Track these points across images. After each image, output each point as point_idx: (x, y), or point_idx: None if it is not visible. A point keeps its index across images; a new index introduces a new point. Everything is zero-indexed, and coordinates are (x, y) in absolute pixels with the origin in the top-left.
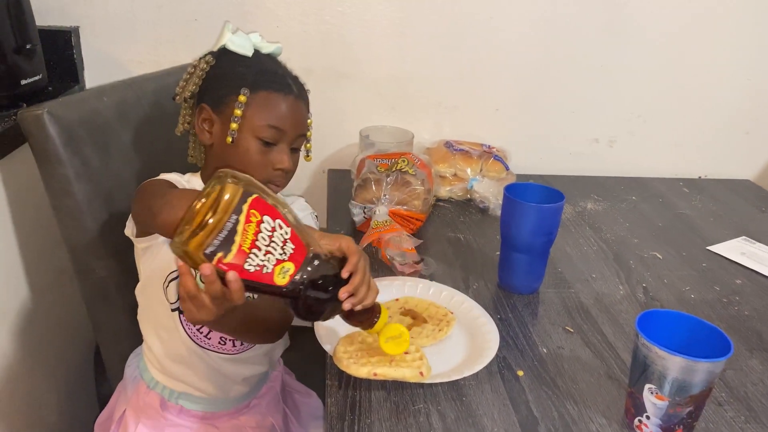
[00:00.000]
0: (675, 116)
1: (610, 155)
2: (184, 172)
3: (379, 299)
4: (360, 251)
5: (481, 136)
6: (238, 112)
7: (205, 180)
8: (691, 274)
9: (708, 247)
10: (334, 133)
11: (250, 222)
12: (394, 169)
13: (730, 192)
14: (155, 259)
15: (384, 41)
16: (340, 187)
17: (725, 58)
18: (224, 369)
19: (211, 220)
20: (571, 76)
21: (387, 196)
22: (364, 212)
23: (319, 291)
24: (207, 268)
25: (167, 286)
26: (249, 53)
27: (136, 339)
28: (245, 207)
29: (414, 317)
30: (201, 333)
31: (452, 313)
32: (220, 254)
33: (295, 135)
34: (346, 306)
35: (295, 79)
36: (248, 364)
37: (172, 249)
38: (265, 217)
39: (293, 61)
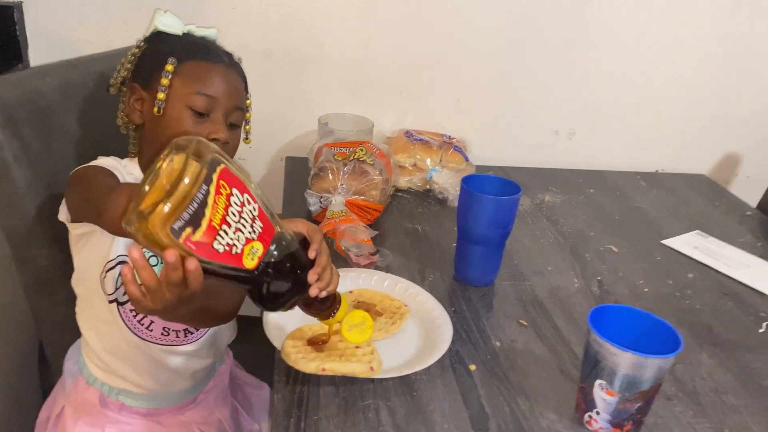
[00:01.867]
0: (634, 110)
1: (569, 147)
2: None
3: None
4: (322, 231)
5: (442, 125)
6: (164, 81)
7: (143, 166)
8: (645, 268)
9: (662, 241)
10: (292, 120)
11: (220, 194)
12: (351, 158)
13: (685, 186)
14: (92, 247)
15: (346, 26)
16: (298, 175)
17: (684, 55)
18: (167, 362)
19: (182, 187)
20: (532, 68)
21: (344, 186)
22: (320, 202)
23: (286, 275)
24: (172, 255)
25: (104, 277)
26: (179, 32)
27: (79, 332)
28: (215, 176)
29: (367, 310)
30: (142, 325)
31: (406, 305)
32: (188, 230)
33: (229, 105)
34: (314, 291)
35: (228, 53)
36: (193, 356)
37: (126, 227)
38: (234, 190)
39: (250, 44)
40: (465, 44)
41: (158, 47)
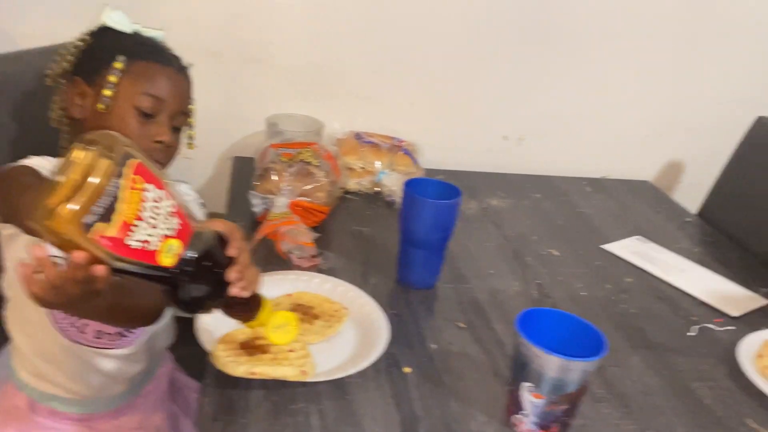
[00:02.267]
0: (581, 117)
1: (518, 153)
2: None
3: (271, 294)
4: (240, 230)
5: (395, 129)
6: (112, 78)
7: None
8: (585, 272)
9: (603, 246)
10: (241, 119)
11: (134, 189)
12: (297, 159)
13: (629, 192)
14: (21, 248)
15: (297, 27)
16: (244, 175)
17: (631, 65)
18: (101, 366)
19: (93, 180)
20: (482, 73)
21: (289, 188)
22: (264, 203)
23: (206, 275)
24: (81, 257)
25: None
26: (128, 30)
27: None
28: (129, 171)
29: (305, 313)
30: (74, 327)
31: (345, 308)
32: (99, 226)
33: (176, 109)
34: (234, 291)
35: (178, 58)
36: (128, 360)
37: (33, 224)
38: (149, 186)
39: (199, 43)
40: (417, 49)
41: (106, 43)
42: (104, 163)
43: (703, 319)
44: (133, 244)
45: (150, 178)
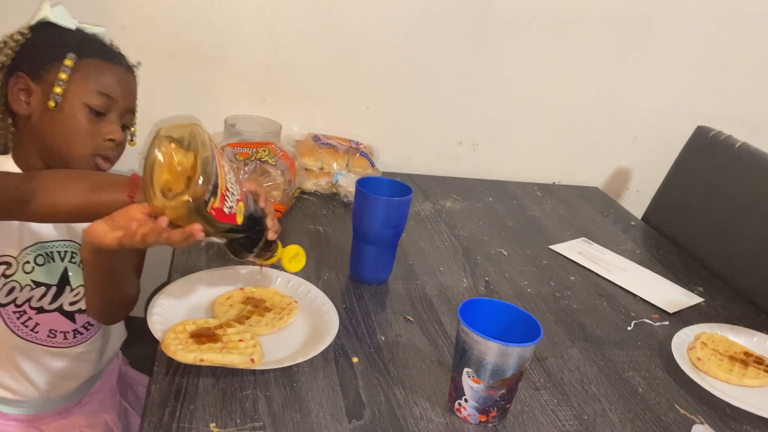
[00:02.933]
0: (533, 125)
1: (473, 158)
2: None
3: (223, 289)
4: (263, 186)
5: (352, 132)
6: (63, 75)
7: (20, 162)
8: (531, 270)
9: (550, 246)
10: (199, 120)
11: (221, 164)
12: (253, 158)
13: (578, 197)
14: None
15: (255, 29)
16: None
17: (578, 72)
18: (52, 365)
19: (208, 166)
20: (438, 80)
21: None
22: None
23: (258, 225)
24: (197, 229)
25: None
26: (71, 26)
27: None
28: (216, 151)
29: (256, 306)
30: (26, 327)
31: (296, 302)
32: (212, 200)
33: (125, 107)
34: (271, 235)
35: (124, 56)
36: (80, 359)
37: (154, 203)
38: (223, 161)
39: (156, 43)
40: (373, 53)
41: (50, 38)
42: (209, 150)
43: (641, 315)
44: (226, 210)
45: (220, 155)
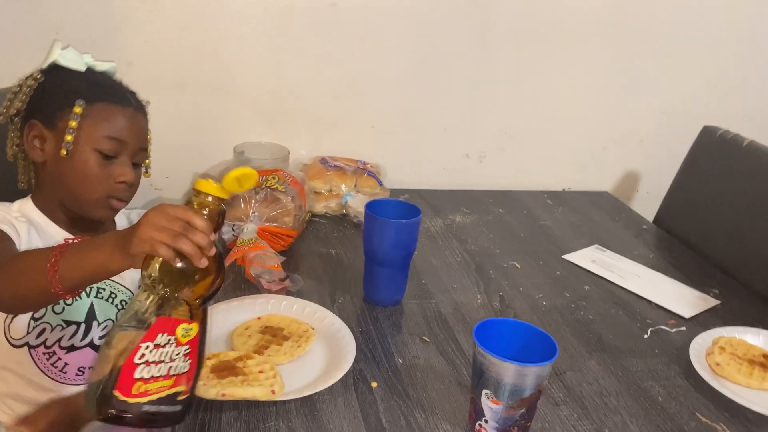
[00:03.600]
0: (539, 133)
1: (480, 170)
2: (12, 199)
3: (241, 318)
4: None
5: (359, 152)
6: (73, 123)
7: (38, 203)
8: (546, 282)
9: (563, 256)
10: (208, 149)
11: None
12: (263, 186)
13: (589, 203)
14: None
15: (260, 57)
16: None
17: (583, 78)
18: (77, 402)
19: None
20: (441, 94)
21: (256, 214)
22: (233, 230)
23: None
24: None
25: (10, 323)
26: (82, 68)
27: None
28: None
29: (274, 335)
30: (56, 368)
31: (313, 328)
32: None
33: (136, 147)
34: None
35: (133, 93)
36: None
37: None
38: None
39: (164, 76)
40: (376, 73)
41: (61, 84)
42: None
43: (657, 321)
44: None
45: None
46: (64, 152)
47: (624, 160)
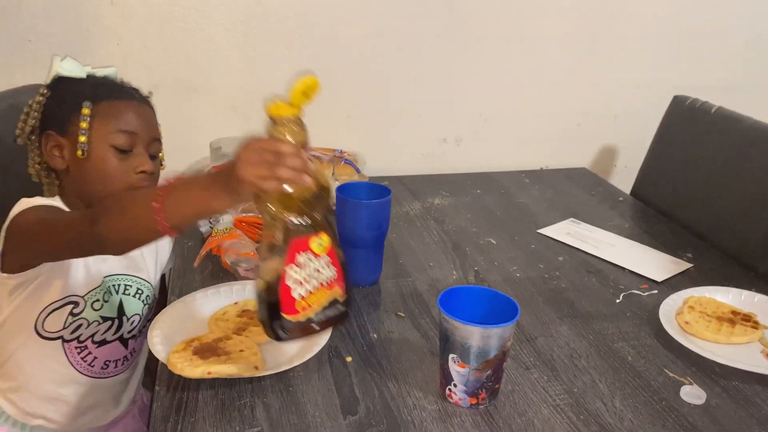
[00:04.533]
0: (514, 114)
1: (458, 154)
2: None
3: (218, 305)
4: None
5: (336, 142)
6: (83, 124)
7: (70, 205)
8: (520, 256)
9: (538, 230)
10: (187, 147)
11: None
12: None
13: (566, 180)
14: (31, 293)
15: (229, 53)
16: None
17: (552, 57)
18: (97, 394)
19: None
20: (415, 81)
21: None
22: (210, 222)
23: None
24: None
25: (46, 317)
26: (83, 75)
27: None
28: None
29: (251, 317)
30: (85, 361)
31: None
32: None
33: (149, 138)
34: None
35: (137, 90)
36: (121, 386)
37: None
38: None
39: (137, 77)
40: (348, 62)
41: (67, 92)
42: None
43: (630, 287)
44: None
45: None
46: (80, 153)
47: (599, 136)
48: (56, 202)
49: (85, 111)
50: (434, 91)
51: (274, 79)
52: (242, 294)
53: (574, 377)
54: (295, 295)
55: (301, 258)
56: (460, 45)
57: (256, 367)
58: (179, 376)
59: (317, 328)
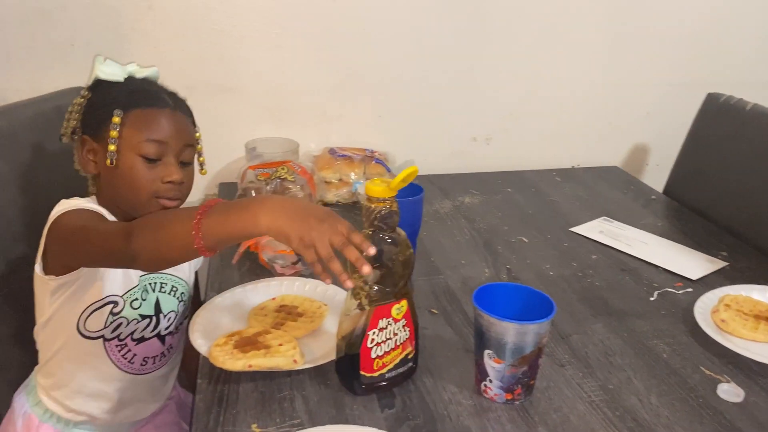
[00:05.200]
0: (544, 112)
1: (487, 152)
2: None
3: (256, 300)
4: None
5: (367, 141)
6: (113, 133)
7: (105, 205)
8: (553, 254)
9: (571, 229)
10: (222, 148)
11: None
12: (274, 177)
13: (598, 178)
14: (73, 293)
15: (263, 56)
16: (230, 199)
17: (583, 55)
18: (136, 390)
19: None
20: (444, 80)
21: None
22: None
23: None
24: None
25: (87, 317)
26: (120, 79)
27: (24, 369)
28: None
29: (289, 312)
30: (125, 359)
31: (326, 305)
32: None
33: (179, 146)
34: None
35: (172, 94)
36: (159, 382)
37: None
38: None
39: (174, 80)
40: (379, 63)
41: (102, 98)
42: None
43: (664, 285)
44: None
45: None
46: (109, 162)
47: (631, 134)
48: (93, 203)
49: (116, 119)
50: (464, 89)
51: (306, 81)
52: (279, 290)
53: (609, 374)
54: (373, 355)
55: (382, 323)
56: (490, 43)
57: (295, 361)
58: (220, 369)
59: (388, 384)
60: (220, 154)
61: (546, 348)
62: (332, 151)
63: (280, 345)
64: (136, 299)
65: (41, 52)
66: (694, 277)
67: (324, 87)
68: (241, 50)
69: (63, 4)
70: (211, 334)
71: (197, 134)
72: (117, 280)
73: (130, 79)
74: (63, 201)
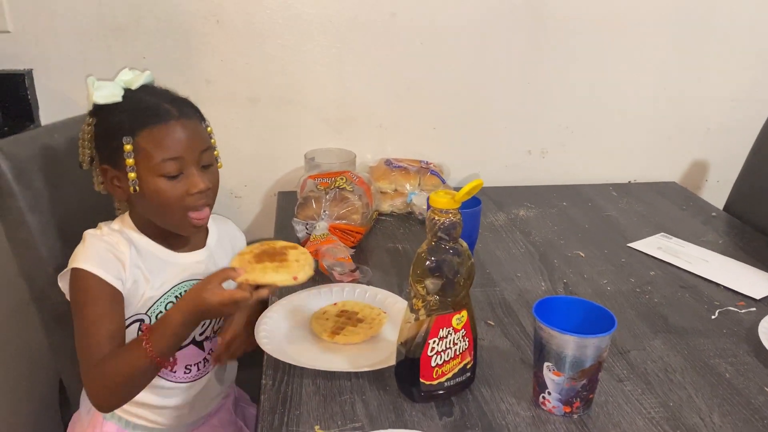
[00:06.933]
0: (601, 126)
1: (542, 165)
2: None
3: (319, 304)
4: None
5: (423, 153)
6: (129, 161)
7: (137, 223)
8: (610, 269)
9: (628, 244)
10: (281, 158)
11: None
12: (333, 186)
13: (656, 194)
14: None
15: (324, 70)
16: (288, 207)
17: (643, 69)
18: (186, 397)
19: None
20: (501, 93)
21: (327, 212)
22: (306, 228)
23: None
24: None
25: (127, 327)
26: (118, 99)
27: None
28: None
29: (349, 318)
30: (167, 369)
31: (385, 312)
32: None
33: (196, 155)
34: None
35: (174, 100)
36: (207, 388)
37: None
38: None
39: (238, 92)
40: (435, 76)
41: (108, 124)
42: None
43: (726, 303)
44: None
45: None
46: (133, 190)
47: (691, 150)
48: (123, 225)
49: (128, 147)
50: (519, 102)
51: (363, 94)
52: (341, 295)
53: (669, 391)
54: (433, 363)
55: (443, 332)
56: (547, 56)
57: (295, 278)
58: (283, 371)
59: (446, 392)
60: (280, 164)
61: (604, 363)
62: (388, 162)
63: (296, 261)
64: (161, 312)
65: (116, 64)
66: (757, 297)
67: (382, 99)
68: (304, 64)
69: (137, 20)
70: (275, 336)
71: (208, 128)
72: (136, 303)
73: (129, 96)
74: (87, 235)
